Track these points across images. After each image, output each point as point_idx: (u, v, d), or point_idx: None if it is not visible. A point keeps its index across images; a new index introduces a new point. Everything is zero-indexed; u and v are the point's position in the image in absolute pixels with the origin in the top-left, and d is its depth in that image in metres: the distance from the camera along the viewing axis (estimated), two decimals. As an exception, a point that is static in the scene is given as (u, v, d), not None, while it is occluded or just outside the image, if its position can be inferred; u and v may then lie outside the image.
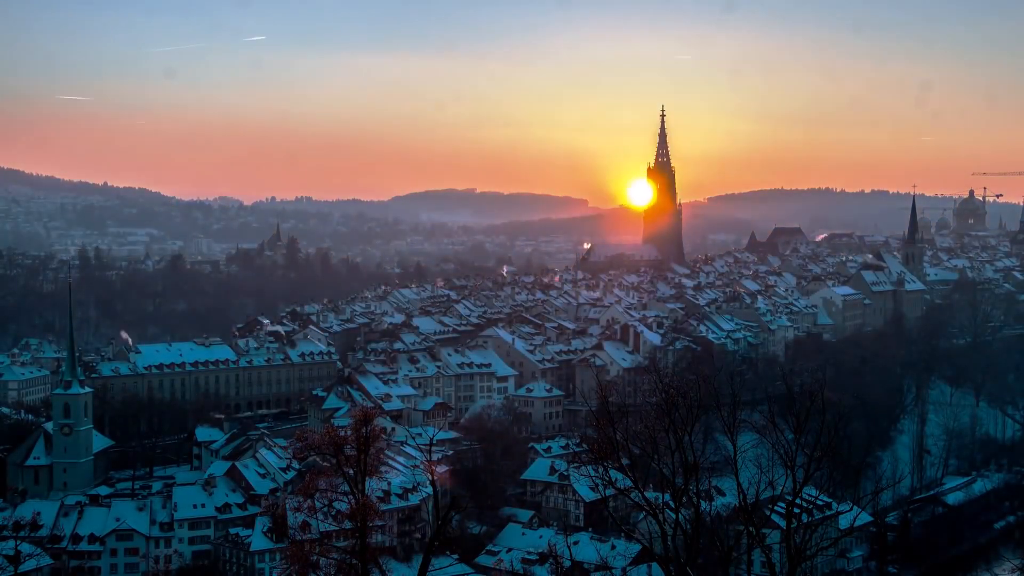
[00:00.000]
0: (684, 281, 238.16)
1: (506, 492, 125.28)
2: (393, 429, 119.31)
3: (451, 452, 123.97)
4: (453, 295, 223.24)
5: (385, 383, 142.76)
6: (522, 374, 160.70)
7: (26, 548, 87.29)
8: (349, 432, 49.37)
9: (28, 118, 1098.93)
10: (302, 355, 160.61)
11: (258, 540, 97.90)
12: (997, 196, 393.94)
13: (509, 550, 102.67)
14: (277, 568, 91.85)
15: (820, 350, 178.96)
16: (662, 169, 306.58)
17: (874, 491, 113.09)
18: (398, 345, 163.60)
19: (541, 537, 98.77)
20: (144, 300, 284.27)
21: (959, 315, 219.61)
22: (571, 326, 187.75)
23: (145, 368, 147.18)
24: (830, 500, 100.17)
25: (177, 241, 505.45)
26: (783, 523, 39.52)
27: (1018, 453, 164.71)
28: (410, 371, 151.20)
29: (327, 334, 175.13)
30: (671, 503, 37.26)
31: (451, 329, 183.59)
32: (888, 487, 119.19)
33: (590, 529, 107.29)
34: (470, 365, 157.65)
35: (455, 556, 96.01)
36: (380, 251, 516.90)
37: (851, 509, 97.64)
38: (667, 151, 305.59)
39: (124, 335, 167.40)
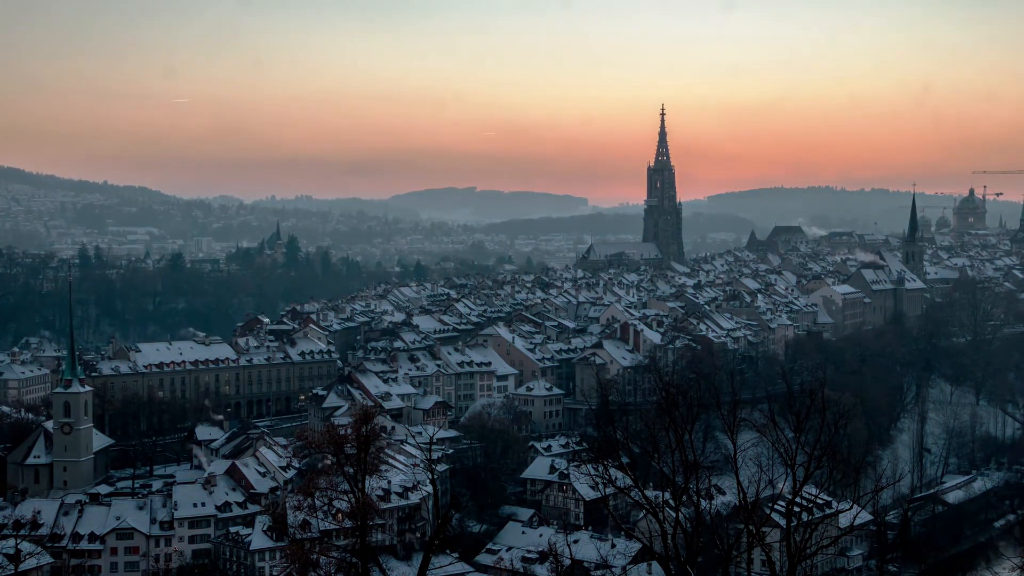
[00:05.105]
0: (684, 280, 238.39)
1: (506, 491, 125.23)
2: (393, 428, 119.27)
3: (451, 451, 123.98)
4: (453, 294, 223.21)
5: (385, 382, 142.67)
6: (522, 373, 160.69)
7: (26, 547, 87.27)
8: (349, 431, 49.50)
9: (28, 116, 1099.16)
10: (302, 354, 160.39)
11: (258, 539, 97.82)
12: (997, 195, 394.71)
13: (509, 549, 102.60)
14: (277, 567, 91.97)
15: (820, 349, 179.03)
16: (662, 168, 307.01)
17: (874, 490, 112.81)
18: (398, 344, 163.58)
19: (541, 536, 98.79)
20: (144, 299, 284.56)
21: (959, 314, 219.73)
22: (571, 325, 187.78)
23: (145, 367, 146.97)
24: (830, 499, 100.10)
25: (177, 240, 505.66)
26: (783, 522, 39.57)
27: (1018, 452, 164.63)
28: (410, 370, 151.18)
29: (327, 333, 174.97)
30: (671, 502, 37.28)
31: (451, 328, 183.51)
32: (888, 486, 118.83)
33: (590, 528, 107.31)
34: (470, 364, 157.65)
35: (455, 555, 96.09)
36: (380, 250, 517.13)
37: (851, 508, 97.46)
38: (667, 150, 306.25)
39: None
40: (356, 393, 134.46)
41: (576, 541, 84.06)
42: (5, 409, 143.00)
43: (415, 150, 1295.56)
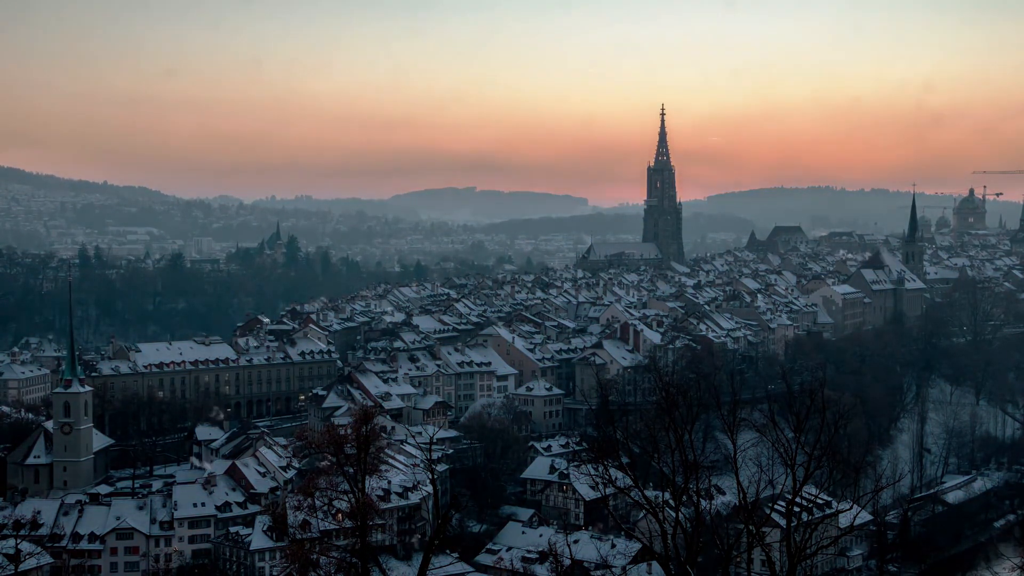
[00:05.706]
0: (684, 280, 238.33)
1: (506, 491, 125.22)
2: (393, 428, 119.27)
3: (451, 451, 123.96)
4: (453, 294, 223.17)
5: (385, 382, 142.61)
6: (522, 373, 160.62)
7: (26, 547, 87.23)
8: (349, 431, 49.48)
9: (28, 116, 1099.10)
10: (302, 354, 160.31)
11: (258, 539, 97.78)
12: (997, 195, 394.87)
13: (509, 549, 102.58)
14: (277, 567, 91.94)
15: (820, 349, 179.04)
16: (662, 168, 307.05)
17: (874, 490, 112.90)
18: (398, 344, 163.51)
19: (541, 536, 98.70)
20: (144, 299, 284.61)
21: (959, 314, 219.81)
22: (571, 325, 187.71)
23: (145, 367, 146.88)
24: (830, 499, 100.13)
25: (177, 240, 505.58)
26: (783, 522, 39.58)
27: (1018, 452, 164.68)
28: (410, 370, 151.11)
29: (327, 333, 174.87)
30: (671, 502, 37.26)
31: (451, 328, 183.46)
32: (888, 486, 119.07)
33: (590, 528, 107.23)
34: (470, 364, 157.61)
35: (455, 555, 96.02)
36: (380, 250, 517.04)
37: (851, 508, 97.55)
38: (667, 150, 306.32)
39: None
40: (356, 393, 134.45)
41: (576, 541, 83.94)
42: (5, 409, 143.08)
43: (415, 150, 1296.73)
